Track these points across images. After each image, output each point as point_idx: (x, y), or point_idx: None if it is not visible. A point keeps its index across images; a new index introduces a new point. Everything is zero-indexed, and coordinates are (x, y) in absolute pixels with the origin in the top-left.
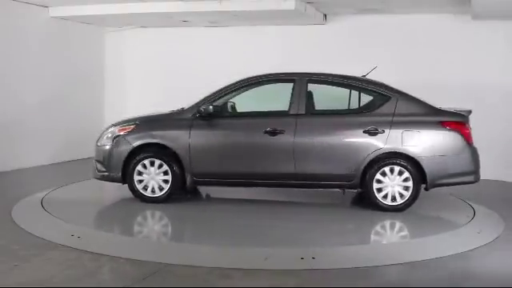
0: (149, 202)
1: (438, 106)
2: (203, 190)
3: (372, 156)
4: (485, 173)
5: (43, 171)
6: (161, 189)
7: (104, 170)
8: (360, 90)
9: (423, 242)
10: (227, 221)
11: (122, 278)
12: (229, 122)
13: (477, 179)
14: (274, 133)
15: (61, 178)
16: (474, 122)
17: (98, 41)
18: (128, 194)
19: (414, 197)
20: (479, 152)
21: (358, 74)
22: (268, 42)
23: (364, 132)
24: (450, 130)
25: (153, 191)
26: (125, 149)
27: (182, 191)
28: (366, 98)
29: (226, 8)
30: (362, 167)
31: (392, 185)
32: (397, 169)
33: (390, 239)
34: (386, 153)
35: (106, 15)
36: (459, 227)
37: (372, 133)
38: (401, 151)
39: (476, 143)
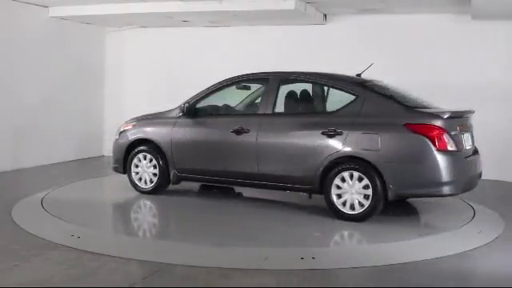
0: (141, 192)
1: (435, 105)
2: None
3: (329, 159)
4: (485, 173)
5: (43, 171)
6: (151, 181)
7: (113, 162)
8: (329, 88)
9: (423, 241)
10: (227, 221)
11: (122, 277)
12: (204, 121)
13: (451, 192)
14: (239, 132)
15: (61, 177)
16: (473, 121)
17: (98, 41)
18: (128, 193)
19: (374, 207)
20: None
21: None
22: (268, 41)
23: (322, 133)
24: (413, 133)
25: (146, 183)
26: (124, 143)
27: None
28: (340, 97)
29: (225, 8)
30: (320, 171)
31: (351, 192)
32: (356, 174)
33: (389, 239)
34: (345, 157)
35: (106, 15)
36: (459, 227)
37: (330, 134)
38: (359, 155)
39: (476, 143)
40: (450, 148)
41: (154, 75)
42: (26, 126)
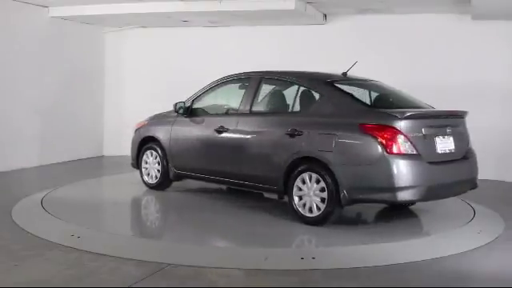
0: (148, 187)
1: (433, 106)
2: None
3: (290, 160)
4: (485, 173)
5: (43, 171)
6: (156, 177)
7: (131, 158)
8: (299, 87)
9: (423, 241)
10: (227, 220)
11: (122, 277)
12: (196, 120)
13: (406, 199)
14: (220, 131)
15: (61, 177)
16: (473, 122)
17: (97, 41)
18: (128, 193)
19: (330, 211)
20: (479, 152)
21: (356, 74)
22: (268, 41)
23: (286, 133)
24: (364, 134)
25: (152, 178)
26: (136, 140)
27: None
28: (309, 97)
29: (225, 8)
30: (283, 172)
31: (309, 194)
32: (314, 176)
33: (389, 239)
34: (304, 158)
35: (105, 15)
36: (459, 227)
37: (292, 134)
38: (316, 156)
39: (476, 143)
40: (404, 151)
41: (153, 75)
42: (26, 126)
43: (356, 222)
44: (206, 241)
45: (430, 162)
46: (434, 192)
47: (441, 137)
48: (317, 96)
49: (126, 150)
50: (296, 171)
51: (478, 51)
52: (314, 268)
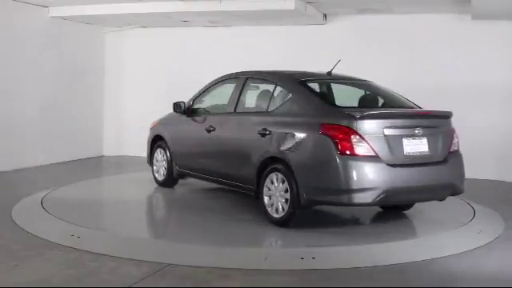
0: (158, 184)
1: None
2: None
3: (260, 159)
4: (485, 173)
5: (43, 171)
6: (163, 174)
7: (146, 155)
8: (276, 86)
9: (423, 241)
10: (227, 220)
11: (122, 277)
12: (193, 119)
13: (358, 201)
14: (209, 130)
15: (61, 177)
16: (474, 122)
17: (97, 41)
18: (128, 193)
19: (292, 212)
20: (479, 152)
21: (357, 74)
22: (268, 41)
23: (258, 133)
24: (321, 134)
25: (160, 176)
26: (149, 139)
27: None
28: (282, 96)
29: (225, 8)
30: (255, 171)
31: (276, 194)
32: (280, 177)
33: (389, 239)
34: (271, 157)
35: (105, 15)
36: (459, 227)
37: (263, 134)
38: (280, 156)
39: (476, 143)
40: (359, 152)
41: (153, 75)
42: (26, 125)
43: (356, 222)
44: (206, 241)
45: (392, 165)
46: (394, 196)
47: (409, 138)
48: (288, 95)
49: (126, 150)
50: (266, 171)
51: (478, 51)
52: (313, 268)
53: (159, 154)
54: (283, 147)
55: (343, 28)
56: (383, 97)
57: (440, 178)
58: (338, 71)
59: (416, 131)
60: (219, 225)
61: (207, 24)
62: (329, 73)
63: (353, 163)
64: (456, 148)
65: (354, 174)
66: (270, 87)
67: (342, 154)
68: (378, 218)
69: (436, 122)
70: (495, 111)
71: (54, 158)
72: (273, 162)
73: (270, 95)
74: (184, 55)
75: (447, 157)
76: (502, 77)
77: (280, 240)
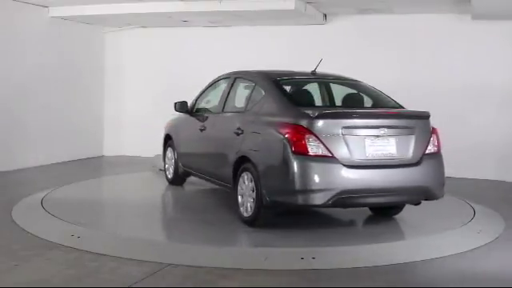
0: (168, 182)
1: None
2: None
3: (233, 158)
4: (485, 173)
5: (43, 171)
6: (172, 173)
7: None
8: (255, 85)
9: (423, 241)
10: (228, 220)
11: (122, 277)
12: (192, 119)
13: (309, 203)
14: (201, 130)
15: (61, 177)
16: (474, 122)
17: (97, 41)
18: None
19: (257, 212)
20: (479, 152)
21: (357, 74)
22: (268, 41)
23: (234, 132)
24: (280, 133)
25: (169, 174)
26: (163, 137)
27: None
28: (259, 95)
29: (225, 8)
30: (230, 170)
31: (245, 193)
32: (249, 176)
33: (389, 239)
34: (242, 157)
35: (105, 15)
36: (459, 227)
37: (237, 133)
38: (248, 155)
39: (476, 143)
40: (313, 152)
41: (153, 75)
42: (26, 126)
43: (356, 222)
44: (205, 241)
45: (351, 166)
46: (351, 198)
47: (373, 139)
48: (262, 95)
49: (126, 150)
50: (239, 170)
51: (478, 51)
52: (313, 268)
53: (169, 153)
54: (250, 147)
55: (343, 28)
56: (367, 96)
57: (410, 181)
58: (337, 71)
59: (381, 132)
60: (219, 225)
61: (207, 24)
62: (313, 72)
63: (306, 163)
64: (434, 150)
65: (307, 175)
66: (251, 87)
67: (297, 153)
68: (378, 219)
69: (407, 123)
70: (495, 111)
71: (54, 158)
72: (244, 162)
73: (249, 95)
74: (184, 55)
75: (421, 159)
76: (503, 77)
77: (280, 240)
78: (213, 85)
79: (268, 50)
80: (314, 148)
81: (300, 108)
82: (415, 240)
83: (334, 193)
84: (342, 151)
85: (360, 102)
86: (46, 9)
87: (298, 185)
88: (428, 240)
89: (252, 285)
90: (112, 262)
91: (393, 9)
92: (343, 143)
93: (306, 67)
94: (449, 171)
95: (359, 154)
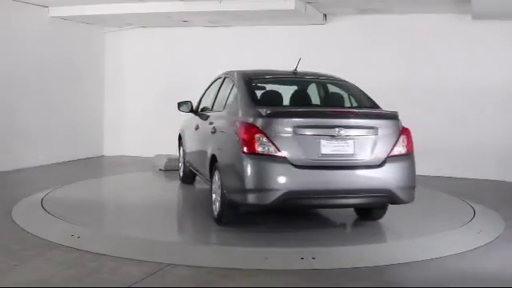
0: (180, 181)
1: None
2: None
3: (209, 157)
4: (485, 173)
5: (43, 171)
6: (182, 171)
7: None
8: (233, 85)
9: (423, 241)
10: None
11: (122, 277)
12: (196, 118)
13: (255, 202)
14: (196, 128)
15: (61, 177)
16: (474, 122)
17: (97, 41)
18: (127, 193)
19: (222, 210)
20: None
21: (357, 74)
22: (268, 41)
23: (210, 131)
24: (235, 132)
25: (180, 172)
26: (178, 137)
27: None
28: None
29: (225, 8)
30: (207, 169)
31: (216, 192)
32: (218, 175)
33: (390, 239)
34: (213, 155)
35: (105, 15)
36: (459, 227)
37: (213, 132)
38: (215, 154)
39: (476, 143)
40: (262, 151)
41: (153, 75)
42: (26, 126)
43: (355, 222)
44: (205, 241)
45: (301, 166)
46: (300, 198)
47: (329, 139)
48: (235, 94)
49: (126, 150)
50: (213, 169)
51: (478, 51)
52: (313, 268)
53: (181, 152)
54: (218, 146)
55: (343, 28)
56: (347, 95)
57: (370, 184)
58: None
59: (337, 132)
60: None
61: (207, 24)
62: (294, 71)
63: (254, 162)
64: (401, 152)
65: (255, 174)
66: (230, 86)
67: (246, 152)
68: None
69: (368, 123)
70: (495, 111)
71: (54, 158)
72: (215, 160)
73: (228, 94)
74: (184, 55)
75: (385, 161)
76: (503, 77)
77: (280, 240)
78: (212, 85)
79: (268, 49)
80: (262, 147)
81: (257, 107)
82: (415, 240)
83: (280, 193)
84: (292, 151)
85: (338, 101)
86: (46, 9)
87: (247, 184)
88: (428, 240)
89: (252, 285)
90: (112, 262)
91: (393, 9)
92: (295, 143)
93: (305, 67)
94: (449, 171)
95: (312, 153)
